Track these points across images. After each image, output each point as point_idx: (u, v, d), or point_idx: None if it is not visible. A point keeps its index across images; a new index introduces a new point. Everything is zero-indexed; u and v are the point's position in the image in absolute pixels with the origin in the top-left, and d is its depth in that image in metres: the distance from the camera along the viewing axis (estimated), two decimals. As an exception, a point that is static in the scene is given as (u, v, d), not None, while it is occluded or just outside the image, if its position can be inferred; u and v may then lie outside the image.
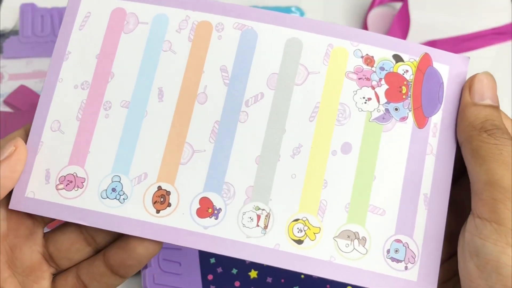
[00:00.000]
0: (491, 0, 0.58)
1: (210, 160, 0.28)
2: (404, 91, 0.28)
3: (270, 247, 0.27)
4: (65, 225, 0.30)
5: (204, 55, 0.29)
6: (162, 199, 0.27)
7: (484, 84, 0.27)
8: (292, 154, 0.28)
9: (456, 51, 0.55)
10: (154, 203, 0.27)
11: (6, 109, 0.50)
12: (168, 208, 0.27)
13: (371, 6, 0.56)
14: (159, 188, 0.28)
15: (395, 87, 0.28)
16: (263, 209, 0.27)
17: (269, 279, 0.41)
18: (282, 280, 0.42)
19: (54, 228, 0.30)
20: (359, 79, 0.28)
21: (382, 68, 0.28)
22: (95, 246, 0.30)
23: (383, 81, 0.28)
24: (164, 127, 0.28)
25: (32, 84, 0.51)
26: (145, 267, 0.41)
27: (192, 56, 0.29)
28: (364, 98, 0.28)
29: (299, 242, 0.27)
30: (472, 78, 0.27)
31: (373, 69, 0.28)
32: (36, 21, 0.54)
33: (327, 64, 0.28)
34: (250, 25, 0.29)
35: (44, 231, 0.30)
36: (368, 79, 0.28)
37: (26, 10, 0.54)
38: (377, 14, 0.57)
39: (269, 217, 0.27)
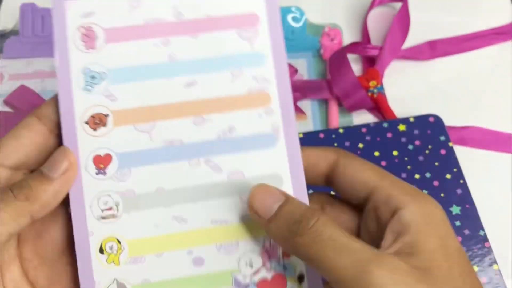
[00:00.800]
0: (491, 0, 0.58)
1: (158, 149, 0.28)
2: None
3: (88, 231, 0.27)
4: None
5: None
6: (98, 121, 0.28)
7: (261, 196, 0.26)
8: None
9: (456, 51, 0.55)
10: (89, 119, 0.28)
11: (6, 109, 0.50)
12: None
13: (371, 6, 0.56)
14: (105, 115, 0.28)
15: None
16: (117, 207, 0.27)
17: (269, 279, 0.41)
18: (282, 280, 0.42)
19: None
20: None
21: None
22: None
23: None
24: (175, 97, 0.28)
25: (32, 84, 0.51)
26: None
27: None
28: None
29: (101, 251, 0.27)
30: (250, 200, 0.26)
31: None
32: (36, 21, 0.54)
33: None
34: None
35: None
36: None
37: (26, 10, 0.54)
38: (377, 14, 0.57)
39: (114, 215, 0.27)
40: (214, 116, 0.28)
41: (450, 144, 0.47)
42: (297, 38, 0.53)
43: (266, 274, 0.26)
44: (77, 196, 0.27)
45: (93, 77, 0.28)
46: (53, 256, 0.28)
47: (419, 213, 0.25)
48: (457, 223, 0.43)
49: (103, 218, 0.27)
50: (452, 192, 0.45)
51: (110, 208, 0.27)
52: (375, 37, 0.55)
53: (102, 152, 0.27)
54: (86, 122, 0.27)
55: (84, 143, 0.27)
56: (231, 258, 0.26)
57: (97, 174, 0.27)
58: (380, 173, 0.27)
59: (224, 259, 0.26)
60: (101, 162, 0.27)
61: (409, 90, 0.53)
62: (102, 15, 0.28)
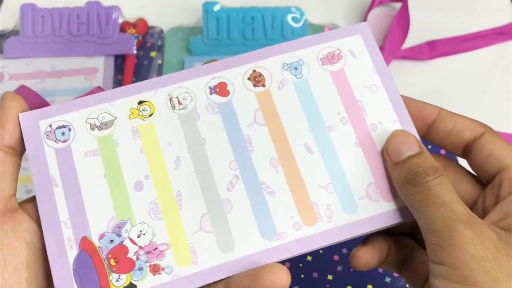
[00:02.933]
0: (491, 0, 0.58)
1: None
2: None
3: None
4: None
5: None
6: None
7: (397, 141, 0.28)
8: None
9: (456, 51, 0.55)
10: None
11: (6, 109, 0.50)
12: None
13: (371, 6, 0.56)
14: None
15: None
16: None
17: (269, 279, 0.41)
18: (282, 280, 0.42)
19: None
20: None
21: None
22: None
23: None
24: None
25: (32, 84, 0.51)
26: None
27: None
28: None
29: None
30: (387, 140, 0.29)
31: None
32: (37, 21, 0.54)
33: None
34: None
35: None
36: None
37: (27, 11, 0.54)
38: (377, 14, 0.57)
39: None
40: None
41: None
42: (297, 38, 0.53)
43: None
44: None
45: None
46: None
47: None
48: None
49: None
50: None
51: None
52: (375, 37, 0.55)
53: None
54: None
55: None
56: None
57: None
58: None
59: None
60: None
61: (409, 90, 0.53)
62: None
